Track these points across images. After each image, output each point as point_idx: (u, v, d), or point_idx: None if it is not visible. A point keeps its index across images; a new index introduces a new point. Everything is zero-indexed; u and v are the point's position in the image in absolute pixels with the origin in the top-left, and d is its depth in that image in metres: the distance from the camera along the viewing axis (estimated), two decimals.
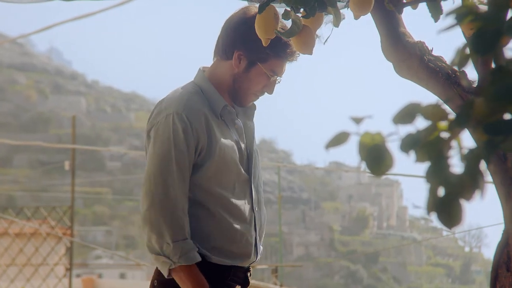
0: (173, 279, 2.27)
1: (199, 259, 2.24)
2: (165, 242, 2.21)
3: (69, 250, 10.56)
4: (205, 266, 2.29)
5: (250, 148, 2.45)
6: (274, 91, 2.45)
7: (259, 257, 2.44)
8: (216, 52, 2.48)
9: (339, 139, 1.15)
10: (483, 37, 1.05)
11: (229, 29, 2.43)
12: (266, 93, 2.45)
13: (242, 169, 2.39)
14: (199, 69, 2.49)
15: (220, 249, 2.32)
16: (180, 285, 2.26)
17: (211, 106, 2.37)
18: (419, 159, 1.07)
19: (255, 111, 2.52)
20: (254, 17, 2.34)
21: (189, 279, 2.23)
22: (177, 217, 2.23)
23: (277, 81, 2.45)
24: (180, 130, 2.28)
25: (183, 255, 2.22)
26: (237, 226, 2.35)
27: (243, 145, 2.42)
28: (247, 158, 2.43)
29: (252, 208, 2.41)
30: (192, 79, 2.48)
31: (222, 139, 2.34)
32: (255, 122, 2.53)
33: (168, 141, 2.27)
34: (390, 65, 2.40)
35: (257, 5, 2.50)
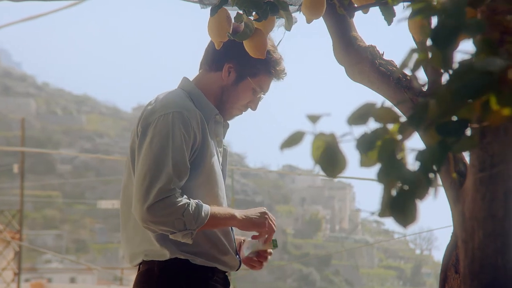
0: (172, 261, 2.31)
1: (208, 209, 2.29)
2: (176, 219, 2.24)
3: (18, 255, 10.37)
4: (189, 268, 2.33)
5: (224, 165, 2.48)
6: (257, 107, 2.49)
7: (240, 267, 2.48)
8: (203, 64, 2.49)
9: (294, 139, 1.15)
10: (443, 32, 1.06)
11: None
12: (250, 108, 2.49)
13: (223, 182, 2.44)
14: (184, 78, 2.48)
15: (205, 254, 2.36)
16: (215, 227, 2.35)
17: (202, 113, 2.38)
18: (365, 163, 1.07)
19: (227, 130, 2.53)
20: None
21: (216, 223, 2.32)
22: (176, 198, 2.25)
23: (261, 98, 2.49)
24: (179, 128, 2.29)
25: (196, 219, 2.26)
26: (222, 238, 2.40)
27: (220, 159, 2.46)
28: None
29: None
30: (177, 87, 2.47)
31: (212, 147, 2.37)
32: None
33: (166, 138, 2.27)
34: (342, 68, 2.41)
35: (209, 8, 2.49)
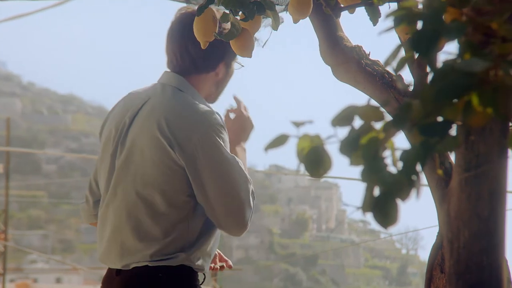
0: (180, 267, 2.30)
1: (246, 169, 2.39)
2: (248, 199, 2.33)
3: (3, 255, 10.32)
4: (190, 273, 2.32)
5: None
6: None
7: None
8: (187, 67, 2.41)
9: (278, 141, 1.16)
10: (423, 37, 1.07)
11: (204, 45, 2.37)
12: None
13: None
14: (185, 81, 2.41)
15: (210, 258, 2.40)
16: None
17: None
18: (354, 162, 1.07)
19: None
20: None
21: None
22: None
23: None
24: (222, 133, 2.33)
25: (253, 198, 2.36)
26: (214, 245, 2.41)
27: None
28: None
29: None
30: (175, 87, 2.39)
31: None
32: None
33: (222, 150, 2.30)
34: (328, 68, 2.42)
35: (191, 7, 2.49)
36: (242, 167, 2.32)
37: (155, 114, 2.31)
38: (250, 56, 2.34)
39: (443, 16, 1.11)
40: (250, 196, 2.31)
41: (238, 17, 2.26)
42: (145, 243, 2.29)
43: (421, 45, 1.07)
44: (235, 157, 2.32)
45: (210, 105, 2.45)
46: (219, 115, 2.34)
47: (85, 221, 2.56)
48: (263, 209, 63.10)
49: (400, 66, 1.14)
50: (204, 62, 2.42)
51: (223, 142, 2.29)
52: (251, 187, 2.33)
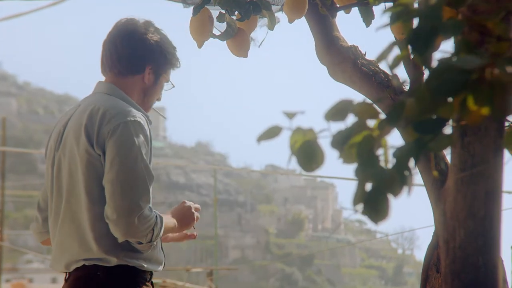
0: (117, 266, 2.34)
1: (164, 222, 2.35)
2: (148, 232, 2.30)
3: None
4: (133, 273, 2.36)
5: None
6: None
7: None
8: (115, 68, 2.49)
9: (271, 133, 1.16)
10: (420, 34, 1.07)
11: (134, 44, 2.46)
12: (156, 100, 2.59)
13: None
14: (108, 84, 2.49)
15: (150, 258, 2.40)
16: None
17: None
18: (346, 159, 1.07)
19: None
20: (153, 29, 2.44)
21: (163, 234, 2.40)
22: (150, 210, 2.32)
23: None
24: (146, 135, 2.35)
25: (159, 233, 2.33)
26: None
27: None
28: None
29: None
30: (103, 93, 2.47)
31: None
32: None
33: (134, 149, 2.31)
34: (325, 69, 2.42)
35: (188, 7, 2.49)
36: (148, 179, 2.30)
37: (82, 114, 2.41)
38: (246, 56, 2.34)
39: (440, 14, 1.11)
40: (137, 203, 2.26)
41: (234, 17, 2.26)
42: (81, 243, 2.35)
43: (418, 42, 1.06)
44: (149, 166, 2.32)
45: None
46: (146, 117, 2.39)
47: (37, 241, 2.61)
48: (259, 209, 63.09)
49: (395, 64, 1.14)
50: (128, 61, 2.47)
51: (137, 138, 2.31)
52: (143, 197, 2.28)
